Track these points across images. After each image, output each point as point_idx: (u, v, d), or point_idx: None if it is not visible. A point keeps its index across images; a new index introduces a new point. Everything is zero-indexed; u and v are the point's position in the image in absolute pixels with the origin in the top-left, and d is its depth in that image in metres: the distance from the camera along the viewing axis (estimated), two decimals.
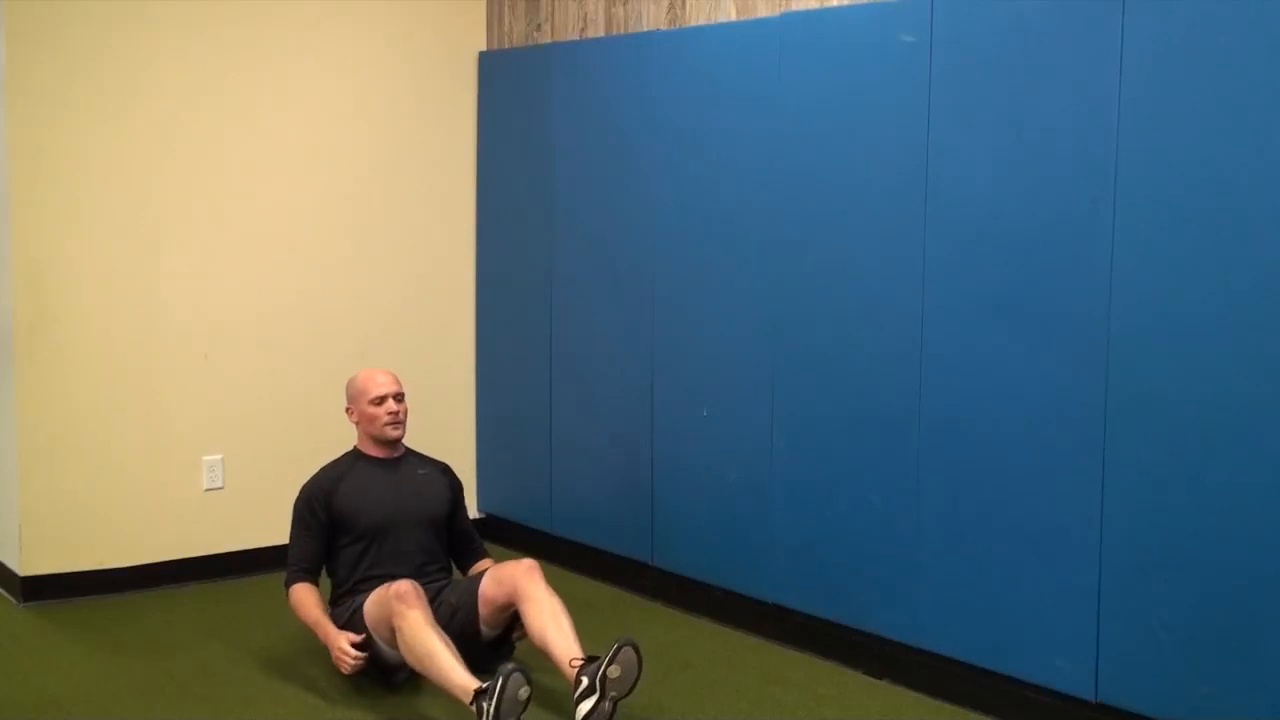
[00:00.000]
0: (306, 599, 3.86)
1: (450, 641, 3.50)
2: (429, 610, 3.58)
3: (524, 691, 3.24)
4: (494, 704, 3.18)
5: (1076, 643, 3.40)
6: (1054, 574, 3.44)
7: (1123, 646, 3.31)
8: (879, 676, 3.93)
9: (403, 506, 3.95)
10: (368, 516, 3.90)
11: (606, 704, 3.31)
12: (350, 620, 3.79)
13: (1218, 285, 3.10)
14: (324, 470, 4.02)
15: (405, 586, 3.60)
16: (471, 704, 3.27)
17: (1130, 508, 3.28)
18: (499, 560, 4.00)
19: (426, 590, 3.74)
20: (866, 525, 3.91)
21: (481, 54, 5.40)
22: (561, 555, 5.00)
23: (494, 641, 3.88)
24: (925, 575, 3.77)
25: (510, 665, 3.27)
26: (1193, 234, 3.14)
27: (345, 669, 3.71)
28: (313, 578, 3.92)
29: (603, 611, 4.48)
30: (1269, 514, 3.03)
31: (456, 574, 4.11)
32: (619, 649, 3.36)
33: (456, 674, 3.38)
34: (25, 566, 4.53)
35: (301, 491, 3.99)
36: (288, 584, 3.92)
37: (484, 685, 3.26)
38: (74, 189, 4.50)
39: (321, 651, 4.01)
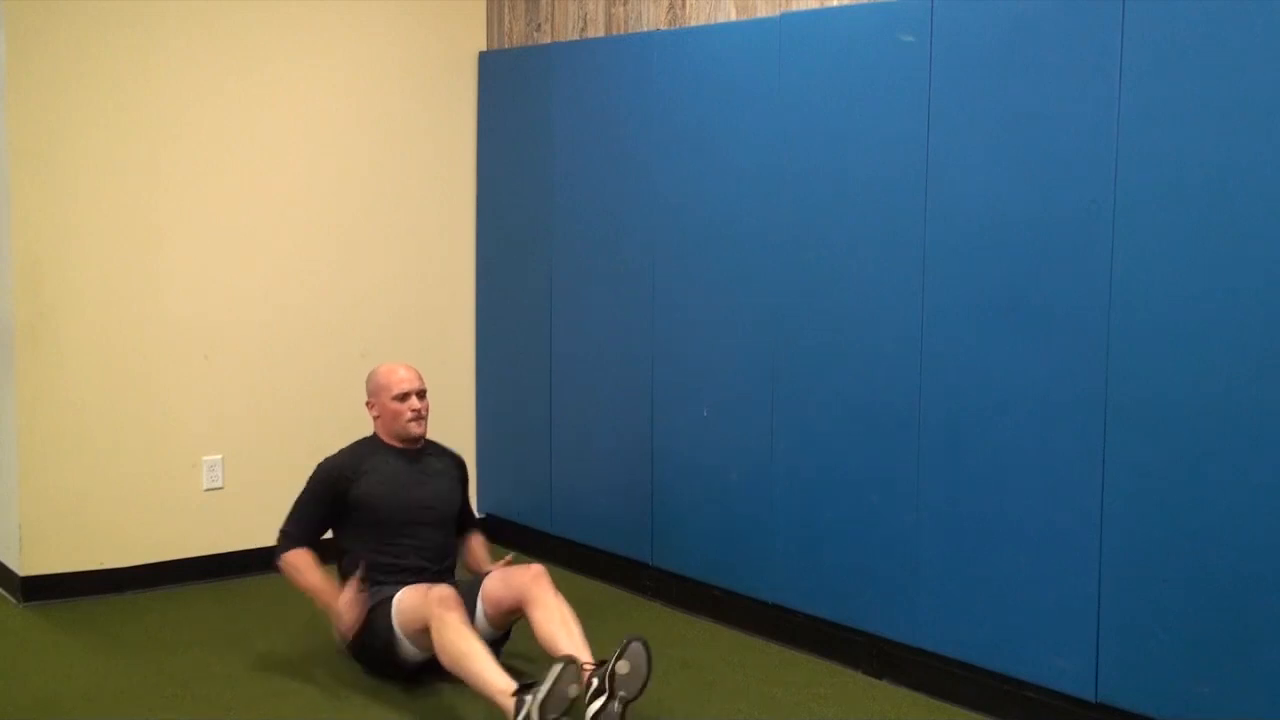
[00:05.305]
0: (308, 563, 3.88)
1: (488, 646, 3.51)
2: (466, 615, 3.59)
3: (573, 689, 3.24)
4: (544, 694, 3.17)
5: (1076, 643, 3.40)
6: (1054, 574, 3.44)
7: (1123, 646, 3.31)
8: (879, 676, 3.93)
9: (421, 503, 3.95)
10: (386, 509, 3.90)
11: (615, 704, 3.30)
12: (375, 612, 3.77)
13: (1218, 285, 3.10)
14: (346, 453, 4.02)
15: (446, 591, 3.60)
16: (513, 696, 3.25)
17: (1130, 508, 3.28)
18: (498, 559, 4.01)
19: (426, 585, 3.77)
20: (866, 525, 3.91)
21: (481, 54, 5.40)
22: (561, 555, 5.00)
23: (493, 644, 3.88)
24: (925, 575, 3.77)
25: (566, 657, 3.28)
26: (1193, 234, 3.14)
27: (344, 627, 3.77)
28: (312, 546, 3.94)
29: (603, 611, 4.48)
30: (1269, 514, 3.03)
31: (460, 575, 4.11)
32: (628, 644, 3.36)
33: (494, 675, 3.38)
34: (25, 566, 4.53)
35: (322, 466, 3.99)
36: (282, 547, 3.91)
37: (526, 683, 3.26)
38: (74, 189, 4.50)
39: (322, 651, 4.01)
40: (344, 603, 3.77)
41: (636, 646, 3.36)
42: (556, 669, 3.22)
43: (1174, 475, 3.19)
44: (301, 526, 3.96)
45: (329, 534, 4.03)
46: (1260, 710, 3.06)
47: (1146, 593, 3.26)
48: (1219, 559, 3.12)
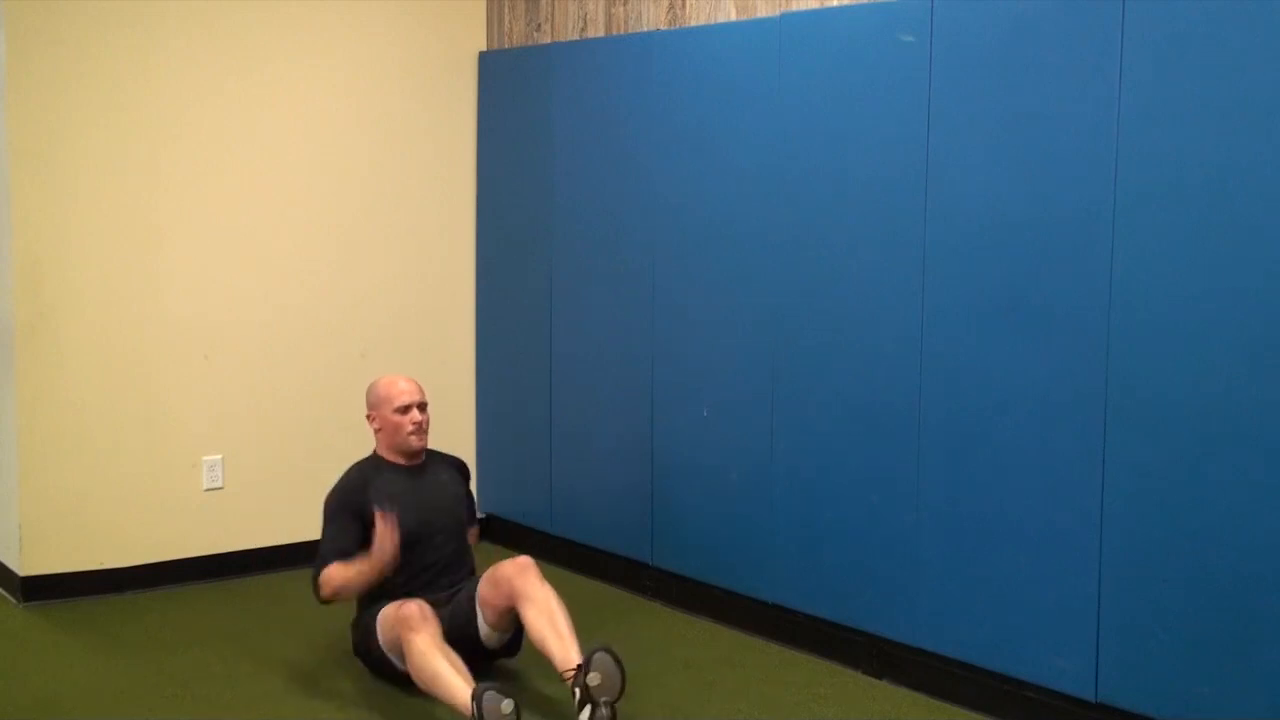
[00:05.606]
0: (339, 566, 3.71)
1: (458, 659, 3.49)
2: (437, 630, 3.56)
3: (506, 705, 3.22)
4: None
5: (1076, 643, 3.40)
6: (1054, 574, 3.44)
7: (1123, 646, 3.31)
8: (879, 676, 3.93)
9: (429, 517, 3.90)
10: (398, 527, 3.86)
11: (603, 709, 3.32)
12: (367, 631, 3.77)
13: (1218, 285, 3.10)
14: (350, 474, 3.94)
15: (410, 610, 3.58)
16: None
17: (1130, 508, 3.28)
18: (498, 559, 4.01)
19: (446, 594, 3.80)
20: (866, 525, 3.91)
21: (481, 54, 5.40)
22: (561, 555, 5.00)
23: (503, 646, 3.87)
24: (925, 575, 3.77)
25: (483, 685, 3.27)
26: (1193, 234, 3.14)
27: (389, 546, 3.66)
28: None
29: (603, 611, 4.48)
30: (1269, 514, 3.03)
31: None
32: (592, 656, 3.38)
33: (460, 693, 3.36)
34: (25, 566, 4.53)
35: (334, 492, 3.88)
36: (318, 573, 3.74)
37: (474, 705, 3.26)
38: (74, 188, 4.51)
39: (323, 652, 4.01)
40: (383, 544, 3.67)
41: (600, 657, 3.38)
42: (476, 706, 3.21)
43: (1174, 475, 3.19)
44: (333, 550, 3.76)
45: None
46: (1260, 710, 3.05)
47: (1146, 593, 3.26)
48: (1219, 559, 3.12)
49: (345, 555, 3.75)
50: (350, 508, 3.82)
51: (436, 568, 3.88)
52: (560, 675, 3.47)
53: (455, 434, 5.33)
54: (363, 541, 3.76)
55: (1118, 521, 3.30)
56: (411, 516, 3.84)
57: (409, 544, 3.80)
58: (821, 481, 4.05)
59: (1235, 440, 3.08)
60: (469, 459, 5.35)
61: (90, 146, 4.52)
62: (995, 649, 3.61)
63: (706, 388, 4.42)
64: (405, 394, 3.96)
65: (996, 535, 3.58)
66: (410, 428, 3.94)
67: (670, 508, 4.60)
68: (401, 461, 3.99)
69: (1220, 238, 3.09)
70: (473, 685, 3.35)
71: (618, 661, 3.38)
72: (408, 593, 3.80)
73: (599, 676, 3.36)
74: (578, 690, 3.36)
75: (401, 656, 3.62)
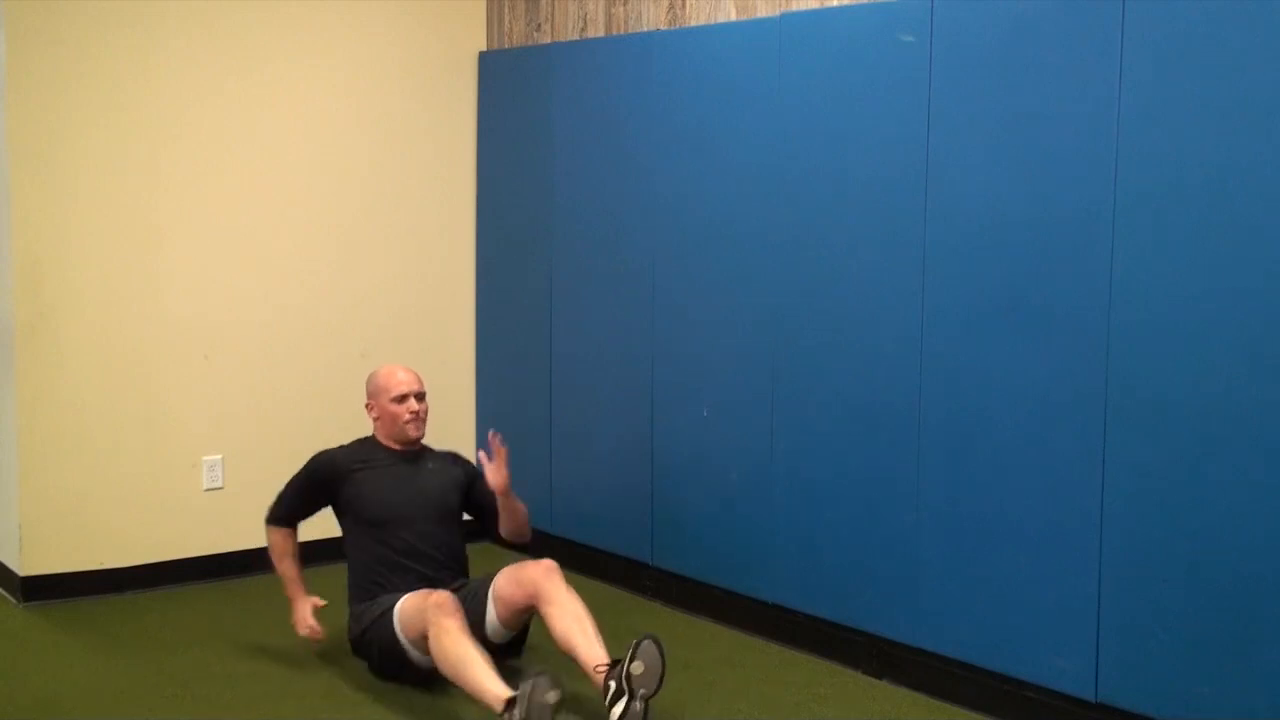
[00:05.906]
0: (283, 549, 4.04)
1: (485, 652, 3.48)
2: (465, 621, 3.56)
3: (552, 695, 3.18)
4: (523, 710, 3.14)
5: (1076, 643, 3.40)
6: (1054, 574, 3.44)
7: (1123, 646, 3.31)
8: (879, 676, 3.93)
9: (415, 501, 3.94)
10: (379, 508, 3.90)
11: (638, 704, 3.30)
12: (378, 623, 3.76)
13: (1218, 285, 3.10)
14: (344, 450, 4.03)
15: (443, 597, 3.58)
16: (503, 712, 3.22)
17: (1130, 508, 3.28)
18: (501, 559, 4.01)
19: (452, 586, 3.79)
20: (866, 525, 3.91)
21: (481, 54, 5.40)
22: (561, 555, 4.96)
23: (506, 645, 3.86)
24: (925, 575, 3.77)
25: (538, 670, 3.25)
26: (1193, 234, 3.14)
27: (301, 633, 4.00)
28: (292, 527, 4.06)
29: (603, 611, 4.45)
30: (1269, 514, 3.03)
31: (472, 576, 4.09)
32: (639, 644, 3.36)
33: (490, 683, 3.33)
34: (25, 566, 4.53)
35: (318, 458, 4.02)
36: (269, 520, 4.06)
37: (515, 694, 3.22)
38: (74, 188, 4.51)
39: (323, 651, 4.01)
40: (301, 622, 4.00)
41: (648, 645, 3.36)
42: (527, 686, 3.16)
43: (1174, 475, 3.19)
44: (287, 508, 4.05)
45: (333, 525, 4.04)
46: (1260, 710, 3.06)
47: (1146, 593, 3.26)
48: (1219, 559, 3.12)
49: (291, 519, 4.06)
50: (318, 484, 4.00)
51: (416, 548, 3.89)
52: (591, 670, 3.44)
53: (455, 434, 5.32)
54: (314, 508, 4.05)
55: (1118, 521, 3.30)
56: (389, 496, 3.92)
57: (386, 525, 3.89)
58: (821, 481, 4.05)
59: (1235, 440, 3.08)
60: (469, 460, 5.36)
61: (90, 146, 4.52)
62: (995, 649, 3.61)
63: (706, 388, 4.42)
64: (403, 384, 3.99)
65: (996, 535, 3.58)
66: (407, 417, 3.98)
67: (670, 508, 4.60)
68: (396, 448, 4.02)
69: (1220, 238, 3.09)
70: (500, 679, 3.32)
71: (661, 654, 3.37)
72: (389, 574, 3.84)
73: (642, 665, 3.32)
74: (612, 684, 3.32)
75: (419, 645, 3.62)
